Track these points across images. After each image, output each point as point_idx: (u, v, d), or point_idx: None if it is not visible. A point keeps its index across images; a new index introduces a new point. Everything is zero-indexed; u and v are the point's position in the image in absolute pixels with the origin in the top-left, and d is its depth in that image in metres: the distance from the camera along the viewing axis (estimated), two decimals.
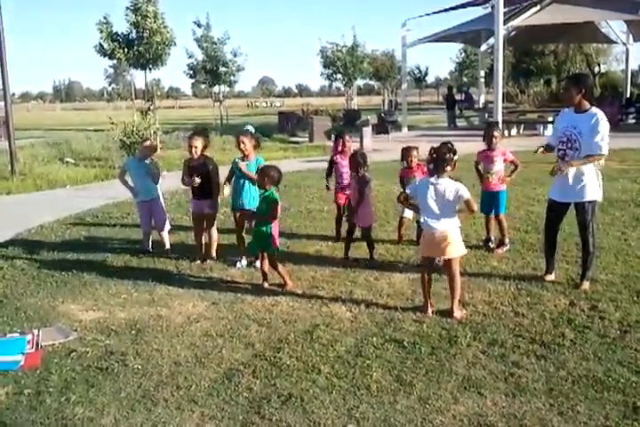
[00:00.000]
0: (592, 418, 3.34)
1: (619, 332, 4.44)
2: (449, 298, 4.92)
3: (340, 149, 7.26)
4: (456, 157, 4.86)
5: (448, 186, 4.74)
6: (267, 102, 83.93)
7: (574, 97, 5.19)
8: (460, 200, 4.75)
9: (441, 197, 4.73)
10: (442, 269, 5.25)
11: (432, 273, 5.02)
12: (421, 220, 5.00)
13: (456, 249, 4.81)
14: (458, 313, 4.81)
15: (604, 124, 5.07)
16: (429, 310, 4.89)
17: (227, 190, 6.38)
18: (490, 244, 6.72)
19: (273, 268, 5.65)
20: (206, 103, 48.65)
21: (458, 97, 32.56)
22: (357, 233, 6.53)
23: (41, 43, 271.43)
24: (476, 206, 4.94)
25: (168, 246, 7.06)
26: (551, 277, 5.61)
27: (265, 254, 5.72)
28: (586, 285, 5.36)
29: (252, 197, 6.20)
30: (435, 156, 4.83)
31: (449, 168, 4.78)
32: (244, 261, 6.38)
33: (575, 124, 5.18)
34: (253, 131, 6.56)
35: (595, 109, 5.16)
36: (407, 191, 5.11)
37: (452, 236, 4.77)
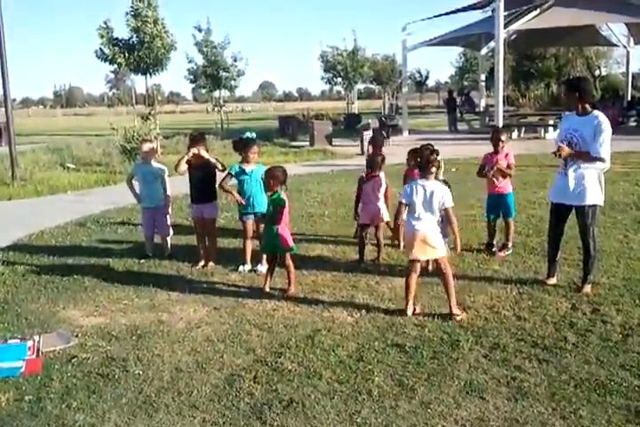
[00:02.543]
0: (594, 422, 3.33)
1: (621, 335, 4.43)
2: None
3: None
4: (440, 157, 4.99)
5: (435, 189, 4.83)
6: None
7: (572, 101, 5.21)
8: (442, 206, 4.84)
9: (426, 198, 4.81)
10: (434, 271, 5.26)
11: (418, 277, 5.00)
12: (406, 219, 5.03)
13: (437, 250, 4.86)
14: (457, 310, 4.82)
15: (605, 128, 5.04)
16: (409, 311, 4.88)
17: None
18: (492, 248, 6.71)
19: (285, 268, 5.63)
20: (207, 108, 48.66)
21: (458, 101, 32.59)
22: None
23: (41, 48, 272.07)
24: (455, 219, 4.93)
25: (169, 251, 7.06)
26: (553, 280, 5.59)
27: (274, 257, 5.73)
28: (587, 288, 5.34)
29: (261, 200, 6.24)
30: (419, 159, 4.92)
31: (434, 169, 4.91)
32: (248, 266, 6.38)
33: (576, 128, 5.17)
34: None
35: (597, 112, 5.14)
36: (402, 200, 4.96)
37: (432, 237, 4.82)
